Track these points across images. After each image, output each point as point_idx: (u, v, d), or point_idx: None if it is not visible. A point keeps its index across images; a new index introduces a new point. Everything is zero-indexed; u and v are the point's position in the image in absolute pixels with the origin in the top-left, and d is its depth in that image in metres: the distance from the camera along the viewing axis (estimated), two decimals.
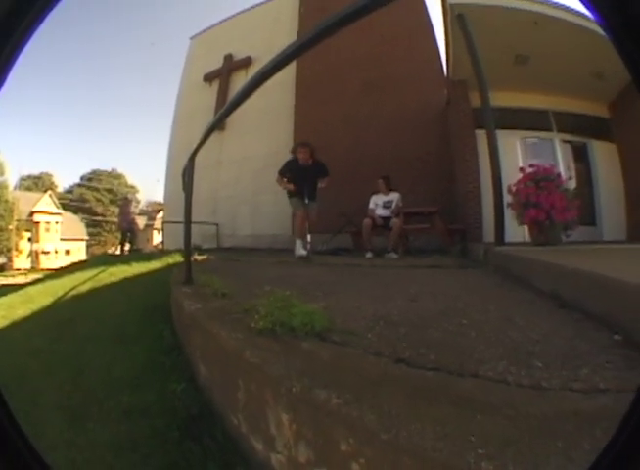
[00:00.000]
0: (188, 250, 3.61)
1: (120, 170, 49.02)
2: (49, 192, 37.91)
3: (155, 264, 6.09)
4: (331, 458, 1.06)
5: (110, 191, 44.31)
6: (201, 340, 2.09)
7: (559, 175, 5.18)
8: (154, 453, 1.47)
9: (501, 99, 7.09)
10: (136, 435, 1.58)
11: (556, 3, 6.61)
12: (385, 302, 2.42)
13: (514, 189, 5.13)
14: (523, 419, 1.01)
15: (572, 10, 6.48)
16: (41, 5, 0.92)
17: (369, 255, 6.41)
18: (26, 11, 0.88)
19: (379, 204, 6.91)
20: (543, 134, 8.17)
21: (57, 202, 37.71)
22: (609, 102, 8.15)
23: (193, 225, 3.60)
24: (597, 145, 8.21)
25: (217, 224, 11.15)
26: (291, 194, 6.14)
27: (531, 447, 0.89)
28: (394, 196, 6.88)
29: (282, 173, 6.14)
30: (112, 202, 42.83)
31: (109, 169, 47.98)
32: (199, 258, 5.48)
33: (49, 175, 47.12)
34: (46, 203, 36.12)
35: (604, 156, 8.15)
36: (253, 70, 12.42)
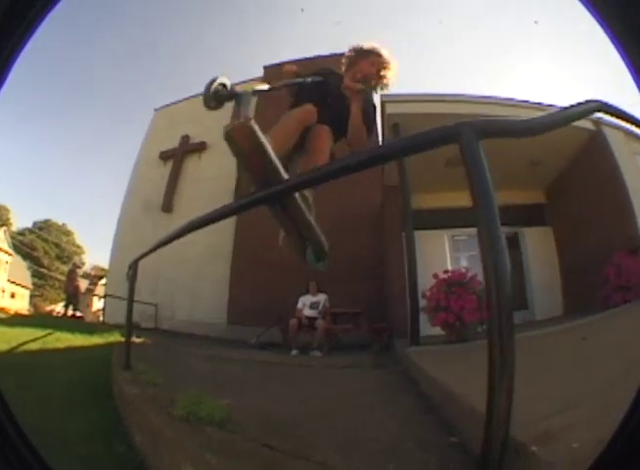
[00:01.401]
0: (128, 339, 4.13)
1: (71, 227, 47.65)
2: (4, 228, 36.08)
3: (96, 339, 6.54)
4: None
5: (57, 246, 42.68)
6: (137, 416, 2.84)
7: (472, 278, 5.47)
8: None
9: (431, 201, 7.99)
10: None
11: (490, 98, 7.29)
12: (280, 402, 3.20)
13: (427, 294, 5.52)
14: None
15: (506, 101, 7.12)
16: (41, 5, 0.96)
17: (294, 352, 6.92)
18: (26, 11, 0.91)
19: (306, 304, 7.58)
20: (473, 230, 8.90)
21: (10, 241, 35.89)
22: (545, 187, 8.86)
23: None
24: (529, 232, 8.86)
25: (156, 305, 11.04)
26: None
27: None
28: (322, 297, 7.60)
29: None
30: (58, 257, 41.18)
31: (60, 223, 46.60)
32: (137, 340, 5.81)
33: (7, 209, 44.72)
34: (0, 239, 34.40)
35: (536, 240, 8.81)
36: (207, 155, 13.15)
